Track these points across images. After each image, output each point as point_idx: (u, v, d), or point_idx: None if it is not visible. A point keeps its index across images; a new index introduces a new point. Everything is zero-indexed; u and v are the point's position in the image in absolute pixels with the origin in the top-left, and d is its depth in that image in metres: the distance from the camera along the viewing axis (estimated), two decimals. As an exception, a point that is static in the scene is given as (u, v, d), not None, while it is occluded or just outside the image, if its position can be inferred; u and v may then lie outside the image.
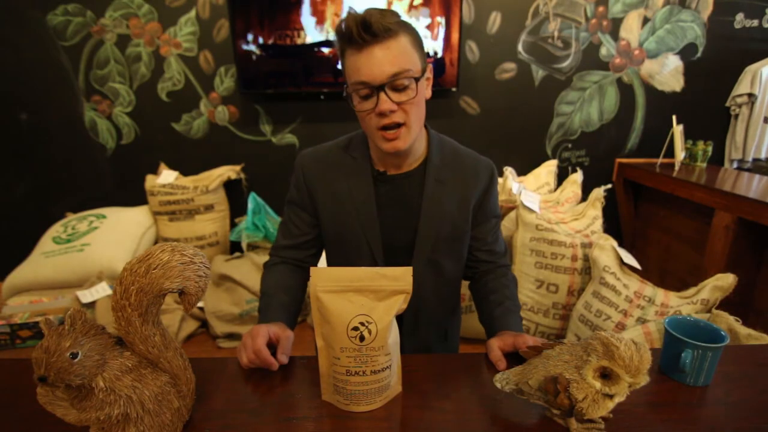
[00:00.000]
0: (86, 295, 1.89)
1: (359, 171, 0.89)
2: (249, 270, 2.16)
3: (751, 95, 2.36)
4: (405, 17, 0.88)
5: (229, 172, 2.47)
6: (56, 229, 2.26)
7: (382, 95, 0.75)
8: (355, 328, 0.62)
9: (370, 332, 0.62)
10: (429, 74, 0.83)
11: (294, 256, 0.95)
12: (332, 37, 2.24)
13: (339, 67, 2.27)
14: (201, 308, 2.09)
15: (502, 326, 0.83)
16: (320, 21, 2.22)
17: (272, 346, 0.75)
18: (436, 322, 0.97)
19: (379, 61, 0.73)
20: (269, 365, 0.71)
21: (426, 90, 0.83)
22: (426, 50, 0.84)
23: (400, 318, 0.89)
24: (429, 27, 2.25)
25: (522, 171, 2.54)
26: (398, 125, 0.78)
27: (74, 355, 0.47)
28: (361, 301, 0.63)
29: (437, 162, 0.89)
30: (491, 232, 0.96)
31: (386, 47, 0.73)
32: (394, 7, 2.22)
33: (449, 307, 1.00)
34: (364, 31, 0.72)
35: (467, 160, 0.93)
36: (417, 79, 0.77)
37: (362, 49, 0.74)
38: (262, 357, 0.70)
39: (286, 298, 0.87)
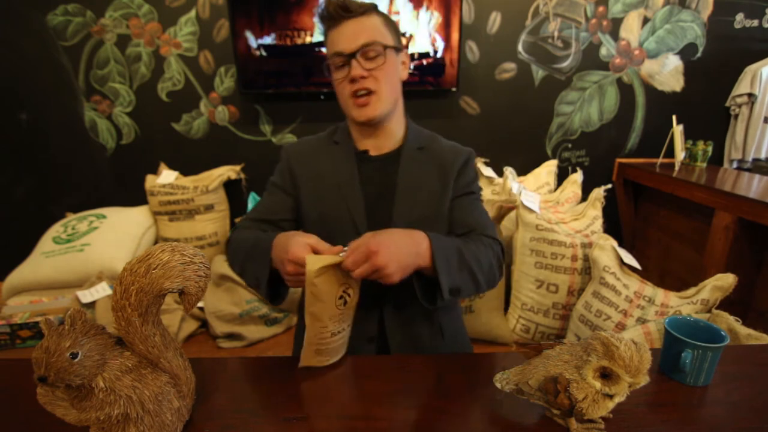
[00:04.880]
0: (86, 295, 1.89)
1: (342, 152, 0.94)
2: (249, 270, 2.16)
3: (751, 95, 2.36)
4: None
5: (229, 172, 2.47)
6: (56, 229, 2.26)
7: (354, 62, 0.83)
8: (341, 297, 0.71)
9: (349, 295, 0.73)
10: (405, 58, 0.92)
11: (267, 229, 0.93)
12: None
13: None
14: (201, 308, 2.09)
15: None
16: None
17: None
18: (423, 314, 0.91)
19: (352, 32, 0.83)
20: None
21: (401, 70, 0.91)
22: (405, 37, 0.94)
23: (381, 311, 0.89)
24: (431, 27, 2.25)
25: (522, 171, 2.54)
26: (369, 92, 0.85)
27: (74, 355, 0.47)
28: (340, 274, 0.70)
29: (413, 144, 0.95)
30: (465, 205, 0.93)
31: (359, 22, 0.83)
32: (399, 8, 2.23)
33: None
34: (341, 9, 0.83)
35: (445, 146, 0.97)
36: (386, 48, 0.85)
37: (339, 24, 0.84)
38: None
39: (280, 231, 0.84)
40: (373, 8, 0.86)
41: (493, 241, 0.88)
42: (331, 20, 0.84)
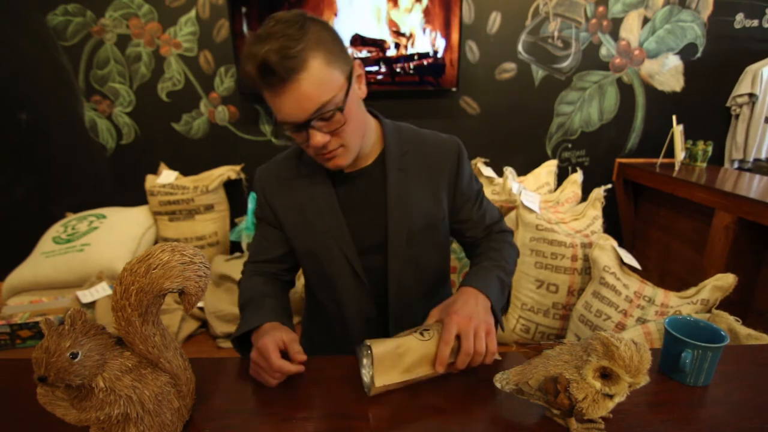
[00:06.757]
0: (86, 295, 1.89)
1: (315, 176, 0.84)
2: (249, 270, 2.16)
3: (751, 95, 2.36)
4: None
5: (229, 172, 2.47)
6: (56, 229, 2.26)
7: (311, 131, 0.71)
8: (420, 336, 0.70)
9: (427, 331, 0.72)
10: (360, 70, 0.76)
11: (268, 269, 0.91)
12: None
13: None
14: (201, 308, 2.09)
15: (464, 283, 0.79)
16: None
17: (282, 352, 0.71)
18: (424, 294, 0.92)
19: (295, 101, 0.68)
20: (297, 372, 0.69)
21: (360, 90, 0.76)
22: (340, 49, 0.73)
23: (385, 293, 0.86)
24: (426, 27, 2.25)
25: (522, 171, 2.54)
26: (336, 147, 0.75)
27: (74, 355, 0.47)
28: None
29: (396, 151, 0.84)
30: (475, 209, 0.92)
31: (297, 85, 0.66)
32: (399, 7, 2.22)
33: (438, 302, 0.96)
34: (269, 75, 0.66)
35: (429, 143, 0.88)
36: (341, 108, 0.70)
37: (275, 91, 0.68)
38: (286, 371, 0.68)
39: (273, 301, 0.83)
40: (305, 53, 0.65)
41: (510, 235, 0.95)
42: (262, 83, 0.68)
